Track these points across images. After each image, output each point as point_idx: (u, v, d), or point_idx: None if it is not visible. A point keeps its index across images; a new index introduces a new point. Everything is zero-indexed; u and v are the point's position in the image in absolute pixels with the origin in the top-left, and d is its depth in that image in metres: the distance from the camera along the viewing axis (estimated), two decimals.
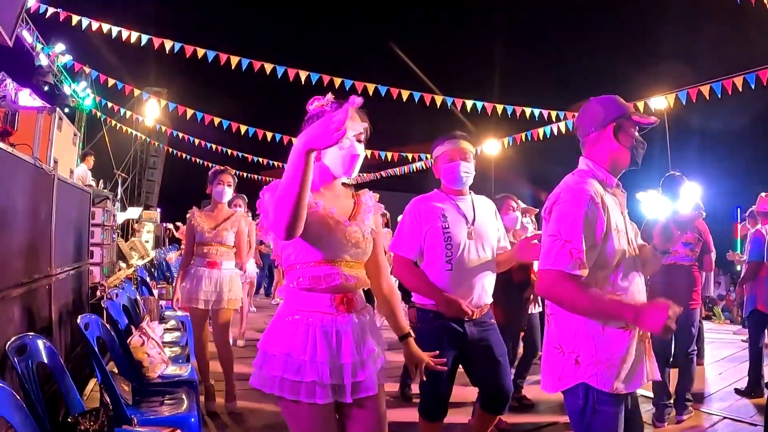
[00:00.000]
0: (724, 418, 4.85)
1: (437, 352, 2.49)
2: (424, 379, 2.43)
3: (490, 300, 3.23)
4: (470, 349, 3.13)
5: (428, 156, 16.28)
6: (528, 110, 10.78)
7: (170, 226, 15.01)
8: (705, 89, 8.09)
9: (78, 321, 3.02)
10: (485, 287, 3.17)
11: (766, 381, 5.52)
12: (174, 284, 4.69)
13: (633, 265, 2.25)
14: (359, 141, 2.08)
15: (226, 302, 4.61)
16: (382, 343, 2.18)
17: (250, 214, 5.12)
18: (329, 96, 2.10)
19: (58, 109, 4.56)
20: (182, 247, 11.47)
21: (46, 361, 2.48)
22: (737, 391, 5.61)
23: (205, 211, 4.74)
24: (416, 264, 3.24)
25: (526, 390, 5.18)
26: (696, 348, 4.93)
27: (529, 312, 5.03)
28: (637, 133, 2.30)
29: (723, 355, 7.36)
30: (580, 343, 2.12)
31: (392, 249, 3.25)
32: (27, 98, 4.59)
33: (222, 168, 4.77)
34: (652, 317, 1.90)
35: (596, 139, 2.30)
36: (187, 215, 4.76)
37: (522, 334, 5.05)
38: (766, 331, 5.81)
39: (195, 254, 4.67)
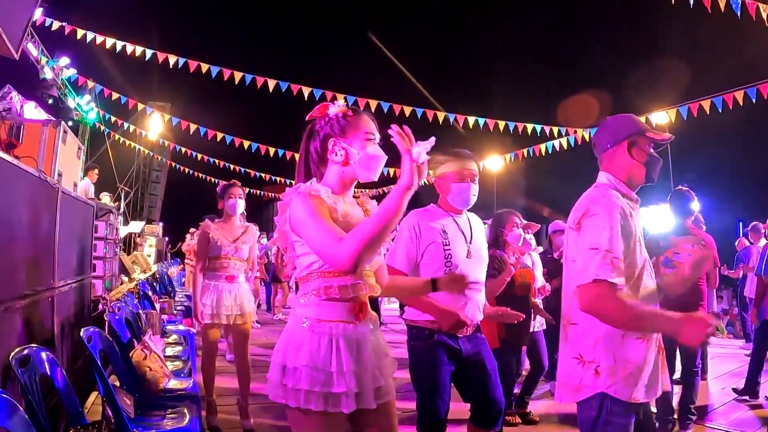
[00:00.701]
0: None
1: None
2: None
3: (481, 317, 3.23)
4: (464, 364, 3.12)
5: (431, 172, 16.26)
6: (530, 126, 10.82)
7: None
8: (706, 104, 8.12)
9: (81, 334, 3.02)
10: (479, 305, 3.18)
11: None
12: (194, 299, 4.56)
13: (650, 273, 2.32)
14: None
15: (248, 315, 4.63)
16: (389, 347, 2.18)
17: (257, 227, 5.07)
18: (342, 101, 2.11)
19: (63, 122, 4.59)
20: (187, 261, 11.35)
21: (48, 372, 2.48)
22: (735, 390, 5.67)
23: (219, 223, 4.72)
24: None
25: (531, 405, 5.15)
26: (701, 363, 4.91)
27: (532, 330, 5.02)
28: (652, 150, 2.38)
29: (726, 369, 7.31)
30: (600, 353, 2.16)
31: (388, 262, 3.15)
32: (32, 111, 4.61)
33: (230, 182, 4.79)
34: (694, 330, 1.97)
35: (612, 155, 2.39)
36: (201, 226, 4.73)
37: (524, 350, 5.03)
38: None
39: (209, 268, 4.63)
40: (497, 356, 3.36)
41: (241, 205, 4.70)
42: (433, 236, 3.10)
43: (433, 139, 1.77)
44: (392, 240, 2.91)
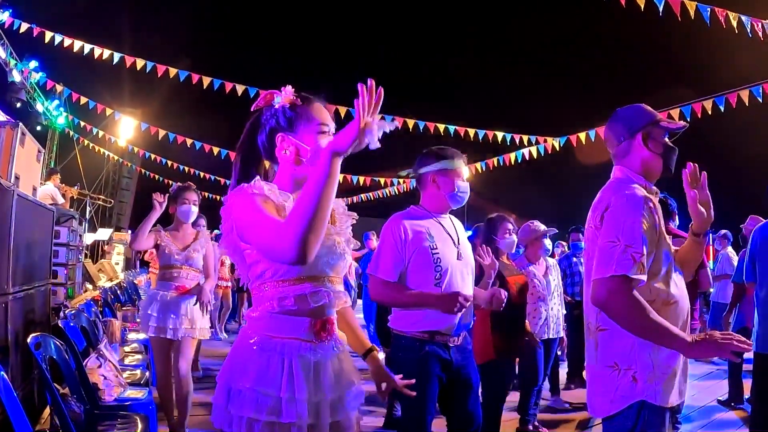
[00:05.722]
0: None
1: (413, 380, 2.34)
2: (410, 394, 2.30)
3: (472, 322, 3.11)
4: (452, 376, 2.97)
5: (401, 181, 16.18)
6: (500, 134, 10.84)
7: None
8: (675, 113, 8.21)
9: (28, 340, 2.90)
10: (469, 310, 3.01)
11: (747, 396, 5.56)
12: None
13: (676, 269, 2.25)
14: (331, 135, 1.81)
15: (198, 331, 4.30)
16: (358, 375, 1.92)
17: (208, 231, 4.76)
18: (290, 88, 1.83)
19: (20, 124, 4.47)
20: (151, 270, 11.19)
21: None
22: (720, 402, 5.69)
23: (170, 231, 4.38)
24: None
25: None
26: None
27: (545, 337, 4.87)
28: (666, 140, 2.30)
29: (702, 371, 7.32)
30: (637, 358, 2.07)
31: (371, 271, 3.00)
32: None
33: (186, 185, 4.44)
34: (710, 353, 1.95)
35: (627, 149, 2.30)
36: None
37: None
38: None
39: (161, 278, 4.34)
40: (493, 368, 3.21)
41: (194, 212, 4.36)
42: (418, 240, 2.90)
43: (395, 124, 1.59)
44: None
